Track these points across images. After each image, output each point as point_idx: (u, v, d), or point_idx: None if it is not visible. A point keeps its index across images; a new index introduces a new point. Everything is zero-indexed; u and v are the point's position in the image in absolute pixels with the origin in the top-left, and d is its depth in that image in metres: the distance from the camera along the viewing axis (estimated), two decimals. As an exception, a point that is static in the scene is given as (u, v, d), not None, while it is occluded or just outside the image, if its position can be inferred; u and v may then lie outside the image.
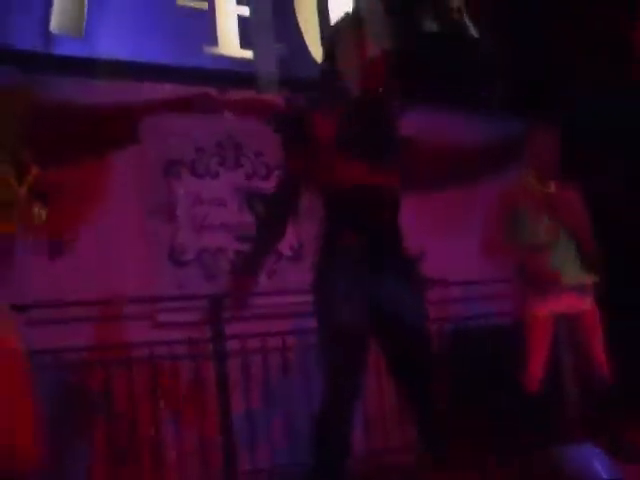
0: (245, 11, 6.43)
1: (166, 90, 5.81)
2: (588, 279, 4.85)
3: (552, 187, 4.91)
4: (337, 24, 3.75)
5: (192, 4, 6.28)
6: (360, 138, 3.38)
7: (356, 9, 3.66)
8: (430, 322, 4.98)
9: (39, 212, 3.46)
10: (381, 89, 3.50)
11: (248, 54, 6.35)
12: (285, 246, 6.10)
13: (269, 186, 6.05)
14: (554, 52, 7.35)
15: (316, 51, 6.59)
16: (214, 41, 6.29)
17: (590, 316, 4.82)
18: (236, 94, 6.08)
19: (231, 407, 5.46)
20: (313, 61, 6.51)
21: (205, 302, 5.53)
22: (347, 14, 3.63)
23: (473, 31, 7.77)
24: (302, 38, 6.64)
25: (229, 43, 6.33)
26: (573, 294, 4.76)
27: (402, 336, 3.32)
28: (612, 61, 6.98)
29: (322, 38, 6.64)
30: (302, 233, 6.17)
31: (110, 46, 5.70)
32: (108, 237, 5.42)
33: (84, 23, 5.69)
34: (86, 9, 5.71)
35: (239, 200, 6.02)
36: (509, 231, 4.86)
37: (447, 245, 6.70)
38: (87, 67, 5.54)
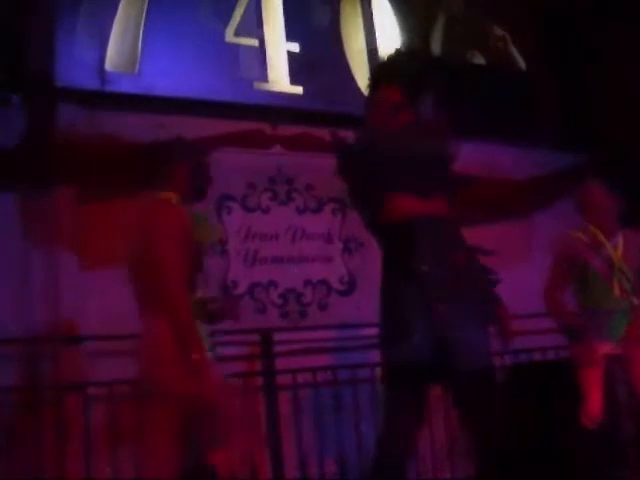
0: (295, 47, 6.52)
1: (217, 126, 5.87)
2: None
3: (620, 241, 4.84)
4: (374, 71, 3.77)
5: (242, 41, 6.37)
6: (405, 174, 3.39)
7: (395, 54, 3.65)
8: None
9: None
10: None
11: (298, 90, 6.42)
12: (336, 280, 6.13)
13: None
14: (604, 84, 7.32)
15: (365, 85, 6.62)
16: (264, 77, 6.37)
17: (636, 354, 4.76)
18: (287, 130, 6.14)
19: (282, 441, 5.46)
20: (363, 96, 6.55)
21: (256, 336, 5.55)
22: (385, 61, 3.64)
23: (520, 61, 7.76)
24: (351, 73, 6.69)
25: (279, 79, 6.40)
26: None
27: (467, 370, 3.28)
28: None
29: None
30: (353, 267, 6.20)
31: (162, 83, 5.81)
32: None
33: (138, 61, 5.81)
34: (140, 47, 5.83)
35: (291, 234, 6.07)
36: (575, 286, 4.84)
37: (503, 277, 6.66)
38: (140, 104, 5.64)
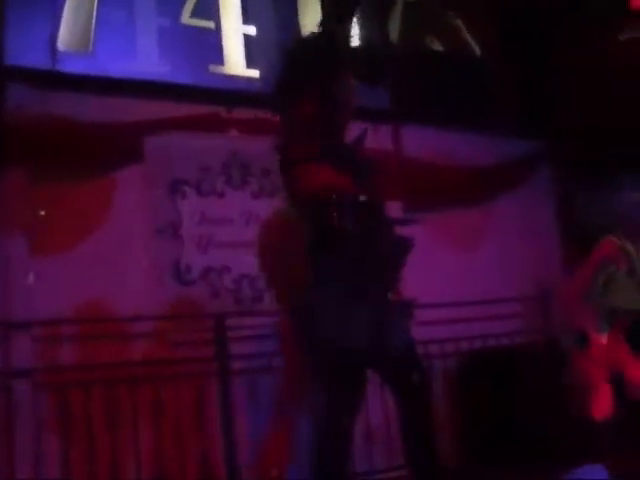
0: (251, 30, 6.45)
1: (172, 109, 5.79)
2: None
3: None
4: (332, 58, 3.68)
5: (199, 23, 6.29)
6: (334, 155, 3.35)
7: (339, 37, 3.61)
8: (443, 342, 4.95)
9: None
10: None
11: (254, 73, 6.36)
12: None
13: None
14: (561, 72, 7.37)
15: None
16: (220, 60, 6.29)
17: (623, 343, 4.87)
18: (242, 113, 6.08)
19: (234, 426, 5.43)
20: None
21: (210, 321, 5.51)
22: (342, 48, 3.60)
23: (475, 49, 7.77)
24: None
25: (235, 62, 6.33)
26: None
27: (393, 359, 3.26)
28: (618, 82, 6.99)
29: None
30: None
31: (117, 64, 5.71)
32: (113, 255, 5.41)
33: (92, 40, 5.70)
34: (94, 27, 5.73)
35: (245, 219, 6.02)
36: (598, 291, 4.91)
37: (454, 265, 6.71)
38: (94, 84, 5.54)
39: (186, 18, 6.23)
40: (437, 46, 7.65)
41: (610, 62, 7.06)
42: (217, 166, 6.02)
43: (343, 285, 3.20)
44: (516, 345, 6.48)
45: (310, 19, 6.74)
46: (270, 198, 6.09)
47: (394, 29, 7.33)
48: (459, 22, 7.71)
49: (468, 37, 7.75)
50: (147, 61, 5.91)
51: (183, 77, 6.02)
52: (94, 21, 5.72)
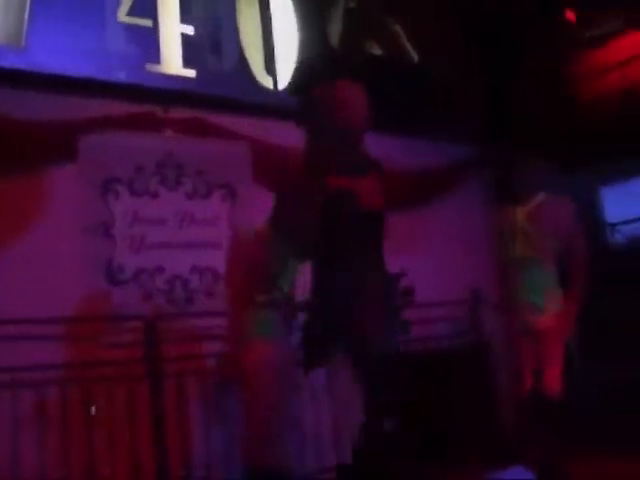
0: (189, 30, 6.40)
1: (107, 107, 5.73)
2: (559, 300, 4.95)
3: (531, 203, 5.08)
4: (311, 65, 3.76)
5: (136, 21, 6.21)
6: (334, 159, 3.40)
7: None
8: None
9: None
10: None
11: (191, 73, 6.31)
12: (223, 267, 6.05)
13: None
14: (502, 79, 7.49)
15: (258, 72, 6.59)
16: (157, 59, 6.22)
17: (553, 334, 4.88)
18: (178, 113, 6.04)
19: (166, 429, 5.38)
20: (254, 82, 6.52)
21: (141, 323, 5.45)
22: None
23: (413, 55, 7.82)
24: (245, 59, 6.61)
25: (172, 61, 6.27)
26: (541, 312, 4.93)
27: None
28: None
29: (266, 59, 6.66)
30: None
31: (50, 59, 5.62)
32: (44, 254, 5.33)
33: (24, 35, 5.60)
34: (26, 21, 5.62)
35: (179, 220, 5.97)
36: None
37: (392, 268, 6.73)
38: (26, 80, 5.45)
39: (123, 16, 6.15)
40: (377, 51, 7.69)
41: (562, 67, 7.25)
42: (151, 166, 5.97)
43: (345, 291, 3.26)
44: (449, 348, 6.54)
45: (248, 20, 6.73)
46: (204, 199, 6.08)
47: (334, 34, 7.35)
48: (398, 28, 7.76)
49: (407, 43, 7.81)
50: (83, 58, 5.81)
51: (119, 75, 5.96)
52: (26, 15, 5.62)
